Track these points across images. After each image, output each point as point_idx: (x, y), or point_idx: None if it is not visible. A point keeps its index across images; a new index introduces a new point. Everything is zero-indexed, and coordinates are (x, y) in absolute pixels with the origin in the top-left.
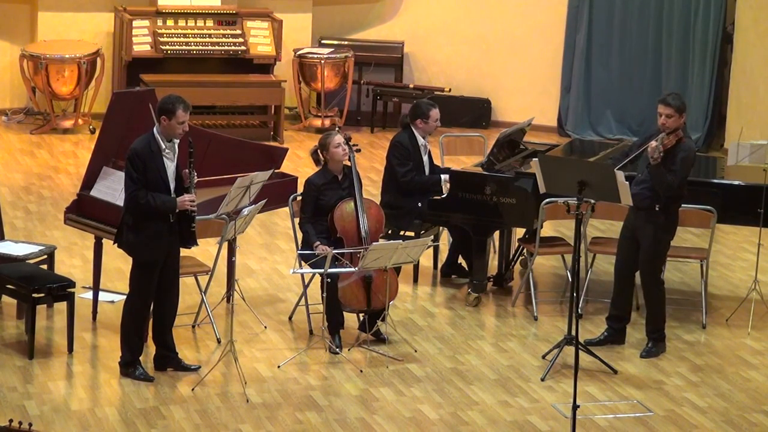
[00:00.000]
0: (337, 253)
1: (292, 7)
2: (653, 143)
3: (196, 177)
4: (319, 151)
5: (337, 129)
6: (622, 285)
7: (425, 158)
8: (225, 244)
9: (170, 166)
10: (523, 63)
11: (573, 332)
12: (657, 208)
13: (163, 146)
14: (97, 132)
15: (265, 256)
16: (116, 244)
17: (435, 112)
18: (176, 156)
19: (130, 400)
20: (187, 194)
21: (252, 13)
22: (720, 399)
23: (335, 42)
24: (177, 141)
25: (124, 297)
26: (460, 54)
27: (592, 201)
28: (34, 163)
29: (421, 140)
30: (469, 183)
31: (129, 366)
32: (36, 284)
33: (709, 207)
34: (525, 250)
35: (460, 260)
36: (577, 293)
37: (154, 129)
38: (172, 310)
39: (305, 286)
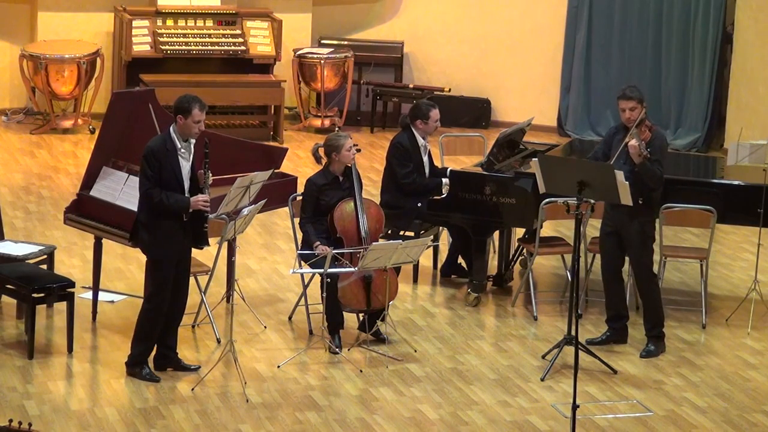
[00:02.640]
0: (337, 253)
1: (292, 7)
2: (633, 142)
3: (211, 178)
4: (324, 151)
5: (337, 129)
6: (612, 283)
7: (425, 159)
8: (225, 244)
9: (185, 166)
10: (523, 63)
11: (573, 332)
12: (640, 202)
13: (179, 145)
14: (97, 132)
15: (265, 256)
16: (131, 243)
17: (435, 113)
18: (192, 156)
19: (129, 400)
20: (201, 194)
21: (252, 13)
22: (720, 399)
23: (335, 42)
24: (193, 141)
25: (124, 297)
26: (460, 54)
27: (592, 201)
28: (33, 163)
29: (421, 141)
30: (468, 183)
31: (136, 366)
32: (36, 284)
33: (708, 207)
34: (525, 250)
35: (460, 260)
36: (576, 293)
37: (171, 128)
38: (179, 310)
39: (305, 286)
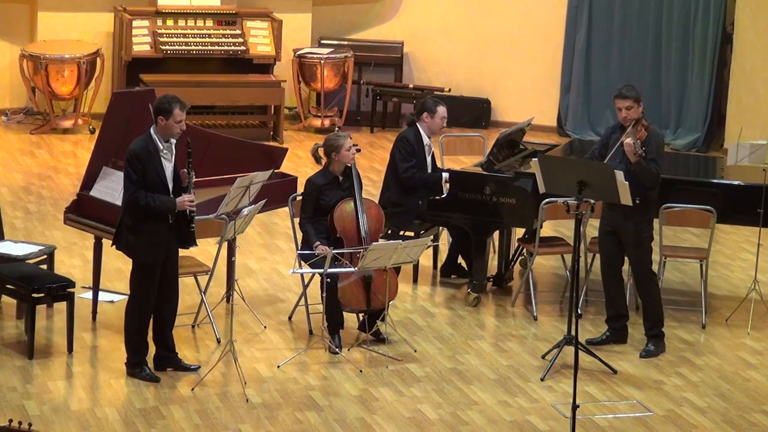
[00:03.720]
0: (337, 253)
1: (292, 7)
2: (628, 141)
3: (194, 177)
4: (324, 151)
5: (337, 129)
6: (612, 282)
7: (428, 158)
8: (225, 244)
9: (168, 167)
10: (523, 63)
11: (572, 332)
12: (637, 201)
13: (161, 146)
14: (97, 132)
15: (265, 256)
16: (115, 246)
17: (442, 109)
18: (174, 156)
19: (129, 400)
20: (186, 194)
21: (252, 13)
22: (719, 399)
23: (335, 42)
24: (174, 141)
25: (124, 297)
26: (460, 54)
27: (592, 201)
28: (33, 163)
29: (426, 140)
30: (468, 183)
31: (135, 366)
32: (36, 284)
33: (708, 207)
34: (525, 250)
35: (460, 260)
36: (576, 293)
37: (151, 129)
38: (171, 310)
39: (305, 286)
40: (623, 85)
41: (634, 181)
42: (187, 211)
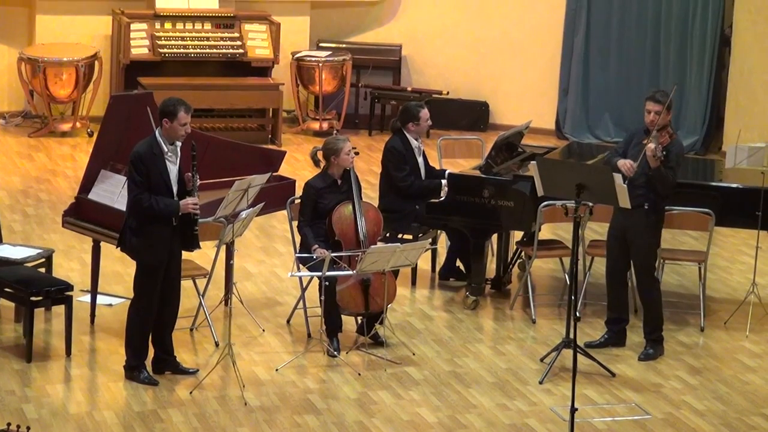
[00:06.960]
0: (335, 256)
1: (290, 10)
2: (651, 145)
3: (198, 180)
4: (323, 154)
5: (335, 132)
6: (616, 286)
7: (420, 160)
8: (223, 248)
9: (173, 169)
10: (521, 66)
11: (571, 335)
12: (646, 207)
13: (166, 149)
14: (95, 135)
15: (263, 259)
16: (119, 248)
17: (425, 113)
18: (179, 159)
19: (128, 403)
20: (190, 197)
21: (250, 16)
22: (718, 402)
23: (333, 45)
24: (179, 144)
25: (122, 300)
26: (458, 57)
27: (590, 204)
28: (32, 167)
29: (414, 143)
30: (467, 186)
31: (134, 369)
32: (34, 287)
33: (707, 210)
34: (523, 253)
35: (458, 263)
36: (575, 296)
37: (156, 132)
38: (172, 313)
39: (303, 289)
40: (657, 89)
41: (650, 187)
42: (191, 213)
